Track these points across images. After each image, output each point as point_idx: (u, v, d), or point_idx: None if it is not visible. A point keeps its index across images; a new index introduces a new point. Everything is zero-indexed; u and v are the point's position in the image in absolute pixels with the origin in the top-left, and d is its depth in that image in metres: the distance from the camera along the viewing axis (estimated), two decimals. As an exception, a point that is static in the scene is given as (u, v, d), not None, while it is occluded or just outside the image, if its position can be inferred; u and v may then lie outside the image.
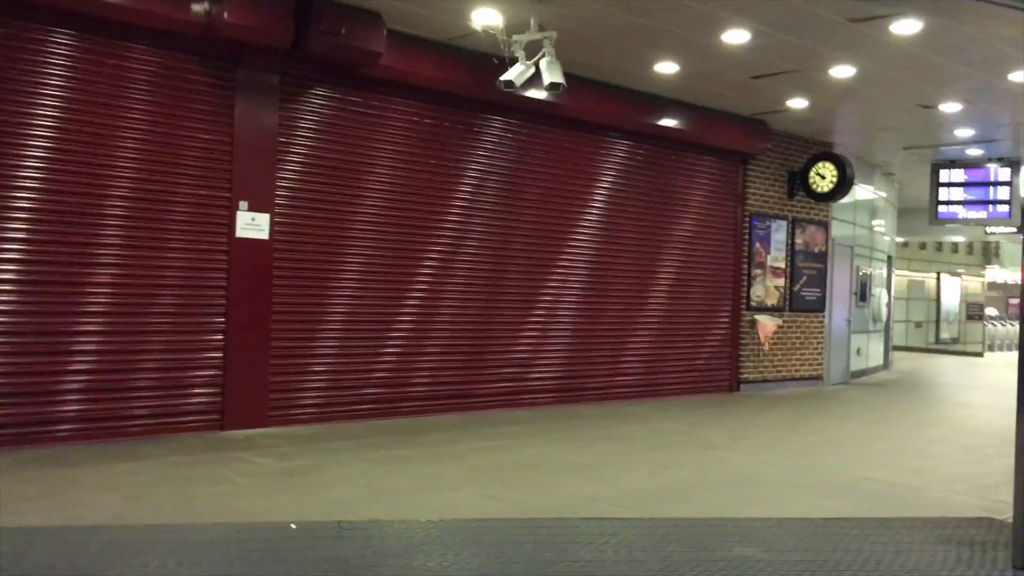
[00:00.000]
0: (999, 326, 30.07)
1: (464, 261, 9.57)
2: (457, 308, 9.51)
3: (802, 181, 12.96)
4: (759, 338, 12.54)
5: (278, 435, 7.77)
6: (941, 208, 15.28)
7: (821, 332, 13.76)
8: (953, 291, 29.08)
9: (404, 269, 9.11)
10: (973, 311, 29.79)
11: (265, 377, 8.12)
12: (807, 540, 4.98)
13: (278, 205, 8.18)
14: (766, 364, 12.84)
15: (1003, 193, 14.74)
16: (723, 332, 12.37)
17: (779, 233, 12.98)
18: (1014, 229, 21.14)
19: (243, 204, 7.88)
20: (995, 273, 31.86)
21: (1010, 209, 14.70)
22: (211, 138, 7.78)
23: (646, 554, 4.61)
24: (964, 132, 12.65)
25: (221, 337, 7.85)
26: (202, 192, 7.74)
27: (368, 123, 8.80)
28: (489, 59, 8.35)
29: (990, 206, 14.89)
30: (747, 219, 12.57)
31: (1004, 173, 14.67)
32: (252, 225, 7.94)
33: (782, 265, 13.01)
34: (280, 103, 8.17)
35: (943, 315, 28.35)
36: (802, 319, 13.40)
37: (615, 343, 11.06)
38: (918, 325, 27.73)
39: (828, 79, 9.83)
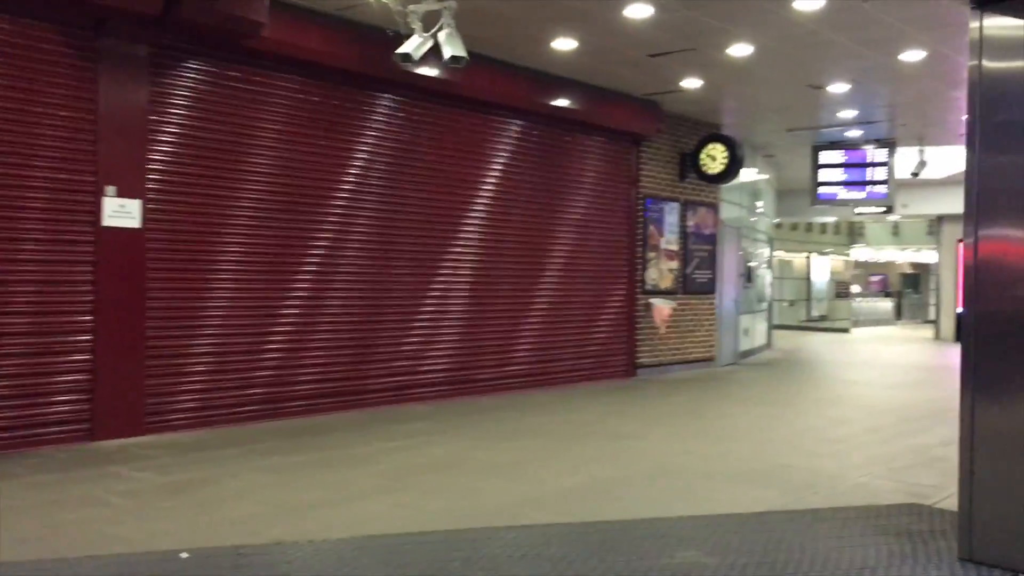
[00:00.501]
0: (863, 303, 31.40)
1: (352, 248, 8.97)
2: (345, 298, 8.91)
3: (693, 163, 12.89)
4: (655, 321, 12.41)
5: (157, 444, 7.03)
6: (821, 189, 15.58)
7: (713, 314, 13.78)
8: (823, 270, 30.13)
9: (288, 258, 8.45)
10: (841, 289, 30.96)
11: (140, 380, 7.35)
12: (748, 539, 4.71)
13: (151, 190, 7.40)
14: (662, 348, 12.74)
15: (880, 174, 15.12)
16: (619, 316, 12.18)
17: (672, 215, 12.87)
18: (883, 209, 21.99)
19: (110, 189, 7.08)
20: (860, 252, 33.23)
21: (887, 189, 15.11)
22: (71, 115, 6.94)
23: (586, 566, 4.22)
24: (847, 113, 12.84)
25: (89, 338, 7.04)
26: (62, 176, 6.90)
27: (250, 100, 8.09)
28: (380, 32, 7.76)
29: (868, 187, 15.26)
30: (641, 201, 12.39)
31: (880, 154, 15.06)
32: (121, 212, 7.15)
33: (675, 248, 12.93)
34: (150, 77, 7.38)
35: (814, 293, 29.33)
36: (695, 301, 13.37)
37: (509, 330, 10.68)
38: (791, 304, 28.58)
39: (725, 58, 9.68)
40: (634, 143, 12.31)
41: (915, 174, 14.86)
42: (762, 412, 9.64)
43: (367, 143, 9.07)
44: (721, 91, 11.57)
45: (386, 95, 9.20)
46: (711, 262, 13.65)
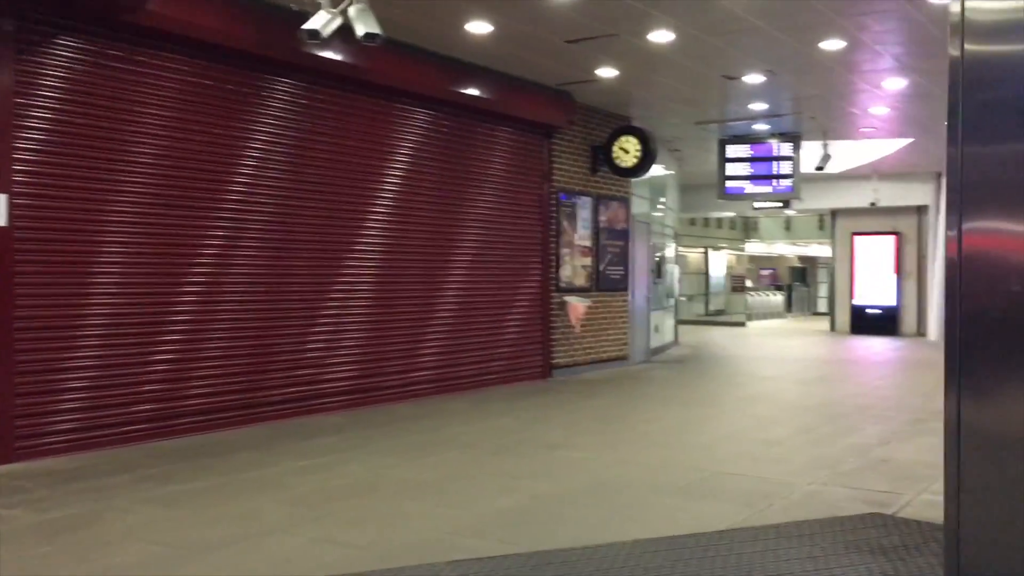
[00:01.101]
0: (757, 296, 31.94)
1: (247, 246, 8.19)
2: (240, 301, 8.12)
3: (605, 156, 12.51)
4: (570, 320, 11.98)
5: (29, 473, 6.15)
6: (729, 183, 15.46)
7: (625, 311, 13.46)
8: (720, 265, 30.48)
9: (177, 258, 7.61)
10: (736, 283, 31.40)
11: (8, 400, 6.43)
12: (718, 564, 4.26)
13: (18, 183, 6.47)
14: (577, 347, 12.33)
15: (786, 168, 15.11)
16: (533, 316, 11.69)
17: (585, 210, 12.47)
18: (780, 204, 22.22)
19: (-31, 182, 6.14)
20: (754, 247, 33.81)
21: (792, 184, 15.10)
22: (-81, 96, 5.98)
23: (548, 608, 3.68)
24: (757, 106, 12.68)
25: (-55, 353, 6.10)
26: (-91, 166, 5.94)
27: (133, 82, 7.21)
28: (281, 10, 7.07)
29: (774, 181, 15.23)
30: (554, 196, 11.94)
31: (786, 148, 15.04)
32: (-17, 209, 6.22)
33: (588, 244, 12.52)
34: (16, 55, 6.46)
35: (711, 288, 29.62)
36: (608, 298, 13.01)
37: (418, 332, 10.04)
38: (690, 298, 28.75)
39: (644, 45, 9.29)
40: (546, 135, 11.83)
41: (820, 168, 14.88)
42: (689, 414, 9.30)
43: (264, 132, 8.30)
44: (636, 81, 11.21)
45: (286, 79, 8.44)
46: (624, 258, 13.32)
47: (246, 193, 8.13)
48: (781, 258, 39.35)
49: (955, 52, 4.18)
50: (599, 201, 12.74)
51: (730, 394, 10.95)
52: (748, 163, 15.29)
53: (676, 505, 5.42)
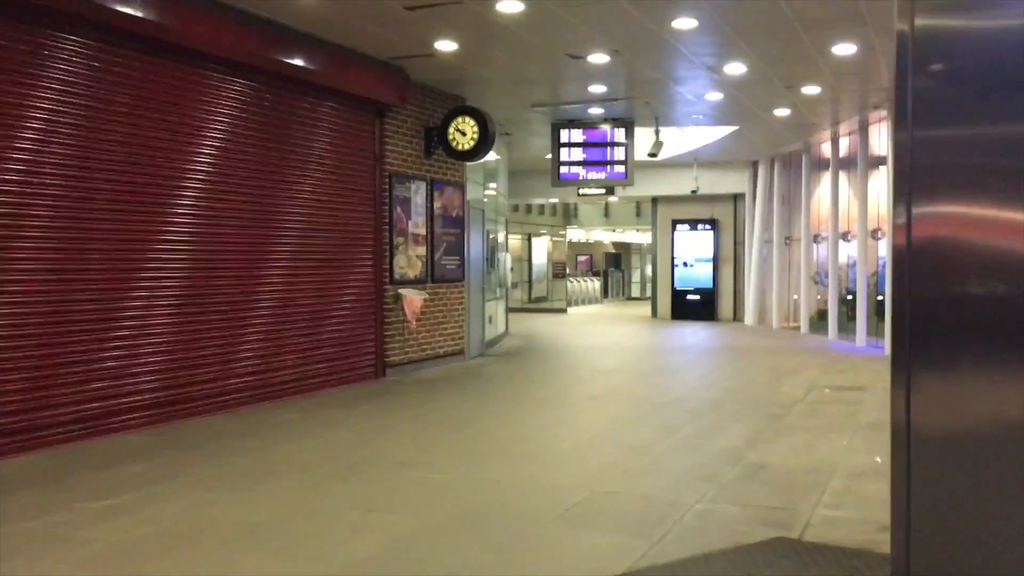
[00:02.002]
0: (576, 283, 32.09)
1: (27, 238, 6.79)
2: (17, 303, 6.71)
3: (441, 138, 11.65)
4: (406, 315, 11.07)
5: None
6: (563, 169, 15.00)
7: (462, 303, 12.68)
8: (541, 252, 30.31)
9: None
10: (558, 270, 31.38)
11: None
12: (635, 623, 3.55)
13: None
14: (412, 343, 11.43)
15: (619, 154, 14.81)
16: (365, 311, 10.70)
17: (419, 196, 11.56)
18: (603, 191, 22.13)
19: None
20: (574, 233, 33.93)
21: (626, 170, 14.82)
22: None
23: None
24: (597, 88, 12.20)
25: None
26: None
27: None
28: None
29: (608, 167, 14.89)
30: (386, 180, 10.97)
31: (620, 134, 14.73)
32: None
33: (423, 232, 11.64)
34: None
35: (534, 275, 29.39)
36: (444, 290, 12.18)
37: (234, 333, 8.85)
38: (514, 285, 28.40)
39: (490, 15, 8.52)
40: (378, 114, 10.83)
41: (653, 155, 14.66)
42: (543, 416, 8.64)
43: (46, 101, 6.88)
44: (475, 57, 10.43)
45: (74, 36, 7.04)
46: (459, 247, 12.53)
47: (25, 172, 6.70)
48: (597, 244, 39.87)
49: (903, 26, 3.58)
50: (434, 186, 11.87)
51: (578, 391, 10.40)
52: (582, 148, 14.89)
53: (562, 539, 4.68)
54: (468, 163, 12.42)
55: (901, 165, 3.52)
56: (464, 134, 11.56)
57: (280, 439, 7.27)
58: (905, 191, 3.50)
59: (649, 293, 39.59)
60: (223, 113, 8.59)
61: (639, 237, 39.44)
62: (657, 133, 14.62)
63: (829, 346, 15.43)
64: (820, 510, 5.15)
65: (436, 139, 11.67)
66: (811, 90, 12.23)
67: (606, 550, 4.46)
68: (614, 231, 36.35)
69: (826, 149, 17.60)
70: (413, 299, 11.06)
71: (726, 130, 16.73)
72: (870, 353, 14.04)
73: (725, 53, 10.27)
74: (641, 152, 15.24)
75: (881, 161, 15.07)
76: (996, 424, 3.00)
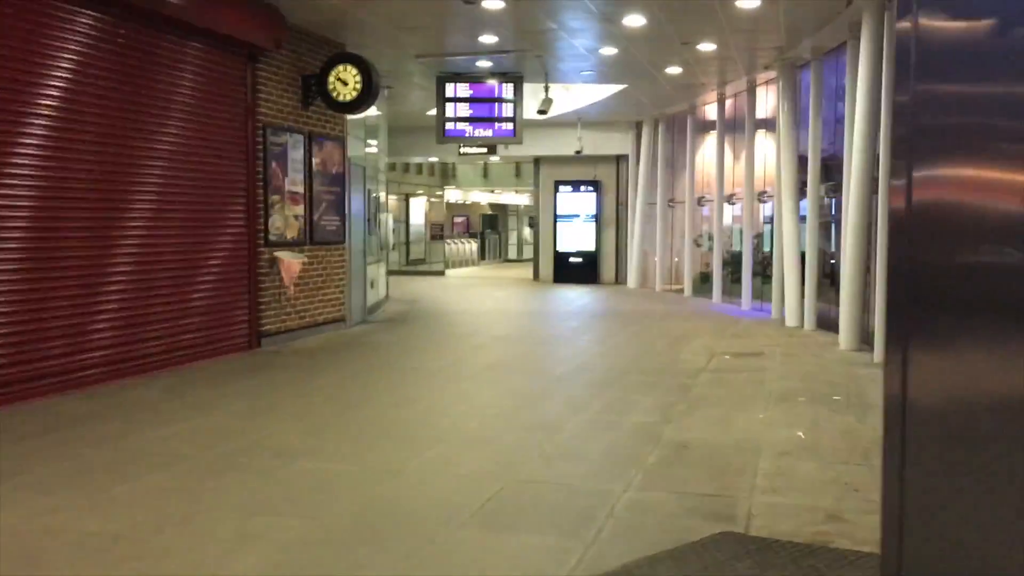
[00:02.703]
0: (453, 244, 31.40)
1: None
2: None
3: (320, 87, 10.71)
4: (283, 280, 10.17)
5: None
6: (448, 125, 14.25)
7: (343, 267, 11.83)
8: (419, 212, 29.44)
9: None
10: (435, 231, 30.57)
11: None
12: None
13: None
14: (289, 311, 10.54)
15: (508, 110, 14.15)
16: (238, 276, 9.75)
17: (296, 151, 10.61)
18: (485, 150, 21.43)
19: None
20: (451, 194, 33.15)
21: (514, 127, 14.18)
22: None
23: None
24: (488, 38, 11.48)
25: None
26: None
27: None
28: None
29: (496, 124, 14.23)
30: (260, 133, 9.97)
31: (508, 89, 14.07)
32: None
33: (300, 190, 10.70)
34: None
35: (411, 236, 28.51)
36: (323, 253, 11.30)
37: (87, 301, 7.77)
38: (393, 247, 27.49)
39: (379, -50, 7.68)
40: (250, 58, 9.81)
41: (543, 112, 14.07)
42: (439, 391, 7.99)
43: None
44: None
45: None
46: (340, 206, 11.64)
47: None
48: (474, 205, 39.21)
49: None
50: (312, 140, 10.93)
51: (473, 361, 9.77)
52: (468, 104, 14.16)
53: (484, 544, 4.06)
54: (350, 116, 11.51)
55: (902, 123, 3.00)
56: (346, 84, 10.66)
57: (142, 424, 6.36)
58: (905, 150, 2.99)
59: (526, 255, 39.57)
60: (69, 50, 7.44)
61: (517, 199, 39.00)
62: (547, 89, 14.02)
63: (715, 309, 15.34)
64: (758, 496, 4.72)
65: (315, 88, 10.72)
66: (707, 47, 11.87)
67: (536, 555, 3.88)
68: (493, 192, 35.77)
69: (712, 111, 17.44)
70: (291, 263, 10.16)
71: (613, 89, 16.30)
72: (757, 316, 13.99)
73: (626, 2, 9.73)
74: (530, 109, 14.66)
75: (768, 124, 14.98)
76: (1005, 403, 2.52)
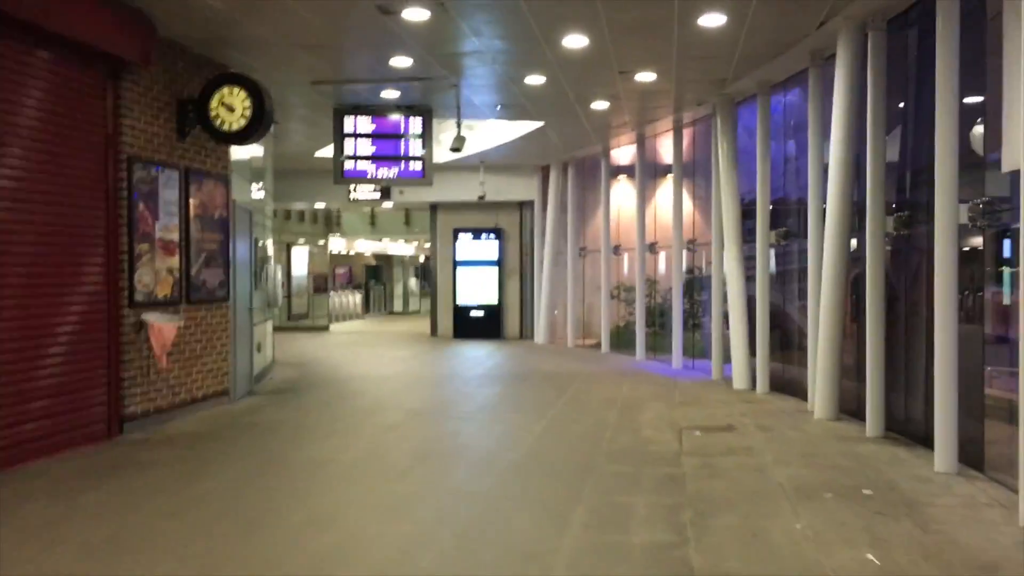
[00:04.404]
0: (337, 297, 29.31)
1: None
2: None
3: (200, 113, 8.82)
4: (153, 350, 8.15)
5: None
6: (348, 164, 12.50)
7: (226, 329, 9.83)
8: (302, 263, 27.28)
9: None
10: (319, 283, 28.43)
11: None
12: None
13: None
14: (160, 387, 8.51)
15: (416, 148, 12.53)
16: (93, 345, 7.70)
17: (170, 190, 8.66)
18: (379, 195, 19.66)
19: None
20: (335, 243, 31.09)
21: (423, 168, 12.55)
22: None
23: None
24: (401, 61, 9.86)
25: None
26: None
27: None
28: None
29: (403, 163, 12.57)
30: (124, 166, 8.03)
31: (416, 124, 12.46)
32: None
33: (175, 237, 8.74)
34: None
35: (294, 289, 26.28)
36: (203, 313, 9.31)
37: None
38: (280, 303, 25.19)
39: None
40: (112, 75, 7.90)
41: (456, 149, 12.46)
42: (361, 499, 6.14)
43: None
44: (252, 9, 7.82)
45: None
46: (223, 257, 9.69)
47: None
48: (358, 256, 37.15)
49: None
50: (189, 177, 9.00)
51: (394, 447, 7.90)
52: (371, 140, 12.47)
53: None
54: (236, 148, 9.64)
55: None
56: (232, 110, 8.82)
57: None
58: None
59: (412, 308, 37.63)
60: None
61: (405, 248, 37.21)
62: (459, 126, 12.46)
63: (643, 367, 13.98)
64: None
65: (193, 115, 8.83)
66: (645, 76, 10.59)
67: None
68: (380, 241, 33.90)
69: (626, 154, 16.30)
70: (163, 327, 8.17)
71: (523, 129, 14.93)
72: (694, 376, 12.69)
73: (571, 17, 8.32)
74: (441, 149, 13.11)
75: (698, 167, 13.90)
76: None
